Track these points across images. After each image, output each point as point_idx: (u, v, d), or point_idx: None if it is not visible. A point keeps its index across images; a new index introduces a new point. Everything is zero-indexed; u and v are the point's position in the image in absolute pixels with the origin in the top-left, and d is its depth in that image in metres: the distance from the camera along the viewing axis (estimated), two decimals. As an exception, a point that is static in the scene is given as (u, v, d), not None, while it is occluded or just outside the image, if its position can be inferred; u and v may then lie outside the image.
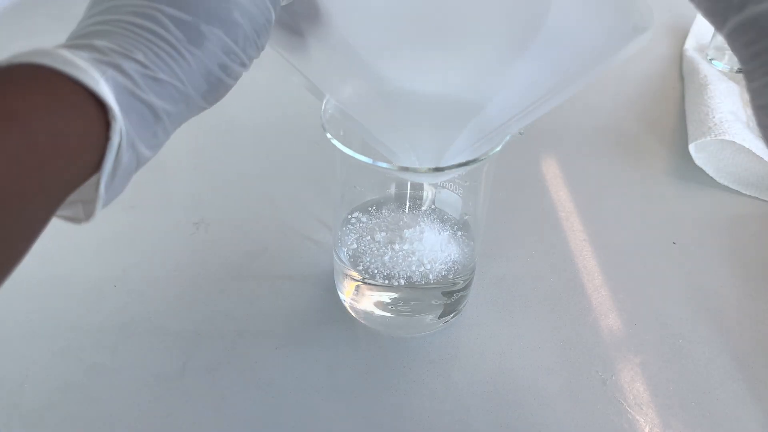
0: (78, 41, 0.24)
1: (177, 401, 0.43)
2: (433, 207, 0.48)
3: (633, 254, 0.55)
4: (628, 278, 0.53)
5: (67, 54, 0.22)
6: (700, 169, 0.63)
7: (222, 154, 0.67)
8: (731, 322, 0.49)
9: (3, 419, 0.42)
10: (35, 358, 0.46)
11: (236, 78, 0.28)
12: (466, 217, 0.48)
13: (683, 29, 0.89)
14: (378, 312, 0.47)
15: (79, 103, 0.22)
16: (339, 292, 0.50)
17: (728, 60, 0.78)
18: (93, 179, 0.24)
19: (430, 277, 0.44)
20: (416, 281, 0.44)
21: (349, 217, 0.48)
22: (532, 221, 0.59)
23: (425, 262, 0.45)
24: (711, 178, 0.62)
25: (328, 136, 0.38)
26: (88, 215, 0.25)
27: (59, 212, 0.25)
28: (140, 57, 0.24)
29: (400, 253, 0.45)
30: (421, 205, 0.48)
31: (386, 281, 0.45)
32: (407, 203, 0.48)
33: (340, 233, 0.47)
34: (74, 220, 0.25)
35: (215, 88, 0.28)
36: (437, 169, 0.38)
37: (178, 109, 0.26)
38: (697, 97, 0.69)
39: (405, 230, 0.46)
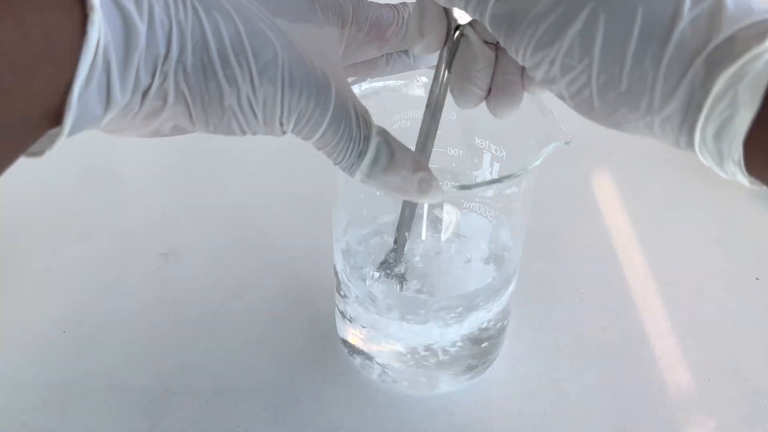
0: None
1: (141, 474, 0.44)
2: (456, 235, 0.49)
3: (706, 293, 0.56)
4: (701, 322, 0.54)
5: None
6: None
7: (196, 171, 0.68)
8: (830, 378, 0.50)
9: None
10: (-33, 420, 0.46)
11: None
12: (498, 247, 0.48)
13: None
14: (390, 363, 0.47)
15: (66, 3, 0.26)
16: (341, 340, 0.50)
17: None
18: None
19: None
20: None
21: (355, 247, 0.49)
22: (580, 252, 0.59)
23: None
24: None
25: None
26: (51, 142, 0.27)
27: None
28: None
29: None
30: (441, 232, 0.49)
31: (400, 326, 0.45)
32: (424, 230, 0.49)
33: (342, 267, 0.48)
34: (35, 153, 0.28)
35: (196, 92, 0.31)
36: (462, 187, 0.39)
37: (155, 62, 0.29)
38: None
39: (421, 263, 0.47)
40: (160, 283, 0.56)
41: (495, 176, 0.47)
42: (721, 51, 0.27)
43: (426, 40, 0.36)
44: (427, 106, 0.39)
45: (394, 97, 0.46)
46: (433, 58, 0.41)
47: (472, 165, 0.48)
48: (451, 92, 0.38)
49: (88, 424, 0.46)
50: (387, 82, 0.45)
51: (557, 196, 0.64)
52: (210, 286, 0.56)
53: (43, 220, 0.62)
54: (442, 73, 0.38)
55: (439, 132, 0.44)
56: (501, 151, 0.46)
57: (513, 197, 0.45)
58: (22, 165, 0.28)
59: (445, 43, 0.37)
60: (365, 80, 0.43)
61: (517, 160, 0.44)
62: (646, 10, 0.28)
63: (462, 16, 0.36)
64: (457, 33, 0.36)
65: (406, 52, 0.42)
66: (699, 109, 0.28)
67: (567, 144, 0.39)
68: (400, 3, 0.40)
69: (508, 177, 0.39)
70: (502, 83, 0.36)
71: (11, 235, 0.60)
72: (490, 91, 0.37)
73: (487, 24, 0.32)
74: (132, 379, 0.49)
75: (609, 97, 0.30)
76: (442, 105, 0.39)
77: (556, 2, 0.29)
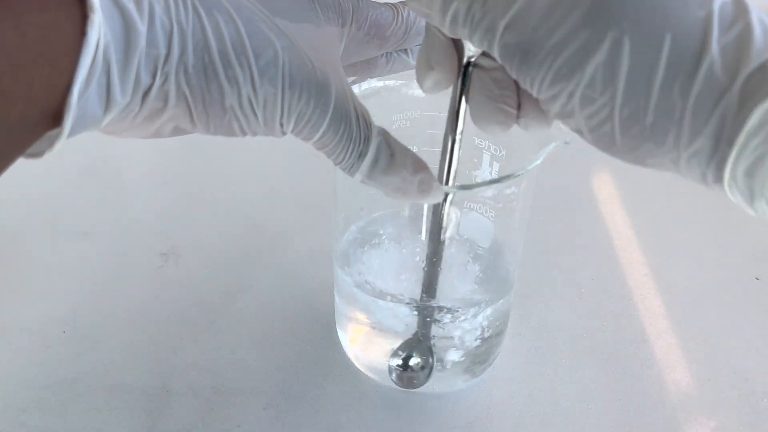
0: None
1: (141, 474, 0.44)
2: (457, 235, 0.49)
3: (706, 293, 0.56)
4: (700, 323, 0.54)
5: None
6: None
7: (196, 171, 0.68)
8: (830, 378, 0.50)
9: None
10: (-33, 420, 0.47)
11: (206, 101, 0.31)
12: (498, 247, 0.48)
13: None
14: (391, 363, 0.47)
15: (66, 3, 0.26)
16: (341, 339, 0.51)
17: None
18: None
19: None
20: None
21: (353, 247, 0.49)
22: (580, 252, 0.60)
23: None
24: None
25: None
26: (51, 143, 0.27)
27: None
28: None
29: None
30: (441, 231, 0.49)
31: (400, 326, 0.45)
32: (424, 229, 0.49)
33: (341, 267, 0.48)
34: (35, 154, 0.28)
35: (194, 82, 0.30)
36: (462, 187, 0.39)
37: (154, 64, 0.29)
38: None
39: (422, 264, 0.47)
40: (160, 283, 0.56)
41: (495, 176, 0.47)
42: (754, 82, 0.26)
43: (435, 74, 0.35)
44: (444, 142, 0.38)
45: (394, 97, 0.46)
46: None
47: (472, 165, 0.48)
48: (476, 121, 0.35)
49: (88, 424, 0.46)
50: (387, 82, 0.45)
51: (557, 196, 0.64)
52: (210, 286, 0.56)
53: (43, 220, 0.62)
54: (456, 105, 0.36)
55: (438, 132, 0.44)
56: (501, 151, 0.46)
57: (513, 197, 0.45)
58: (23, 165, 0.28)
59: (457, 76, 0.35)
60: (365, 80, 0.44)
61: (517, 160, 0.44)
62: (673, 37, 0.27)
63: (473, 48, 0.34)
64: (468, 64, 0.35)
65: (405, 51, 0.42)
66: (730, 144, 0.26)
67: (567, 144, 0.39)
68: (400, 2, 0.40)
69: (508, 177, 0.39)
70: (532, 99, 0.33)
71: (11, 235, 0.60)
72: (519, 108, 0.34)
73: (496, 56, 0.31)
74: (132, 379, 0.49)
75: (633, 131, 0.28)
76: (461, 138, 0.37)
77: (575, 30, 0.28)
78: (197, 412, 0.47)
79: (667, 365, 0.50)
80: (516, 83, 0.33)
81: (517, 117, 0.34)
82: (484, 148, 0.46)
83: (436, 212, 0.40)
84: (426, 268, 0.43)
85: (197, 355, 0.50)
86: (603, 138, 0.29)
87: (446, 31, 0.32)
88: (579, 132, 0.30)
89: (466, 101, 0.35)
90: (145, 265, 0.57)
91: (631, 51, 0.27)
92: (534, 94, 0.30)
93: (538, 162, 0.39)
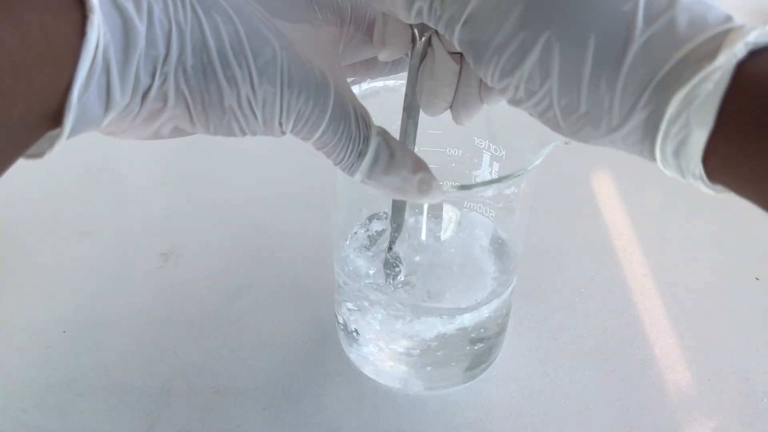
0: None
1: (141, 474, 0.44)
2: (456, 235, 0.49)
3: (706, 293, 0.56)
4: (700, 323, 0.54)
5: None
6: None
7: (196, 171, 0.68)
8: (830, 378, 0.50)
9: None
10: (-33, 420, 0.47)
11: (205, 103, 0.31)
12: (498, 247, 0.48)
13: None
14: (390, 363, 0.48)
15: (66, 4, 0.26)
16: (341, 339, 0.51)
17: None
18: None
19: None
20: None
21: (352, 248, 0.49)
22: (580, 252, 0.60)
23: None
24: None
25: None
26: (52, 143, 0.27)
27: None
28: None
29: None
30: (441, 231, 0.49)
31: (399, 326, 0.45)
32: (424, 229, 0.49)
33: (341, 267, 0.48)
34: (35, 155, 0.28)
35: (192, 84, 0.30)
36: (462, 187, 0.39)
37: (154, 63, 0.29)
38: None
39: (422, 263, 0.47)
40: (160, 283, 0.56)
41: (495, 176, 0.47)
42: (673, 74, 0.28)
43: (388, 50, 0.37)
44: (404, 108, 0.40)
45: (394, 97, 0.46)
46: None
47: (472, 165, 0.48)
48: (419, 101, 0.39)
49: (88, 424, 0.46)
50: (387, 82, 0.45)
51: (557, 196, 0.65)
52: (210, 286, 0.56)
53: (43, 220, 0.62)
54: (414, 77, 0.39)
55: (438, 132, 0.44)
56: (501, 151, 0.46)
57: (513, 197, 0.45)
58: (23, 165, 0.28)
59: (413, 49, 0.38)
60: (365, 80, 0.44)
61: (517, 160, 0.44)
62: (598, 35, 0.29)
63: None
64: (424, 40, 0.37)
65: None
66: (656, 129, 0.28)
67: (567, 144, 0.39)
68: None
69: (508, 177, 0.39)
70: (463, 96, 0.37)
71: (11, 235, 0.60)
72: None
73: (456, 46, 0.33)
74: (132, 379, 0.49)
75: (572, 118, 0.31)
76: (418, 107, 0.39)
77: (514, 33, 0.30)
78: (197, 412, 0.47)
79: (667, 365, 0.50)
80: (457, 77, 0.37)
81: (450, 107, 0.38)
82: (484, 148, 0.46)
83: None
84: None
85: (197, 355, 0.51)
86: (550, 122, 0.32)
87: (411, 21, 0.34)
88: (532, 116, 0.33)
89: (416, 75, 0.38)
90: (145, 265, 0.58)
91: (560, 50, 0.30)
92: (489, 84, 0.33)
93: (538, 162, 0.39)
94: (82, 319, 0.53)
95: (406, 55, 0.38)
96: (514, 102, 0.32)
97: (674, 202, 0.65)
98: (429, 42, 0.37)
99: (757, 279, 0.57)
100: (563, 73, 0.30)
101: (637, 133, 0.29)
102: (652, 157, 0.30)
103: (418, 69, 0.38)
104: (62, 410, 0.47)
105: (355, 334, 0.48)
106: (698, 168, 0.28)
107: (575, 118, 0.31)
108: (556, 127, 0.32)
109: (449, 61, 0.36)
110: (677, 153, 0.28)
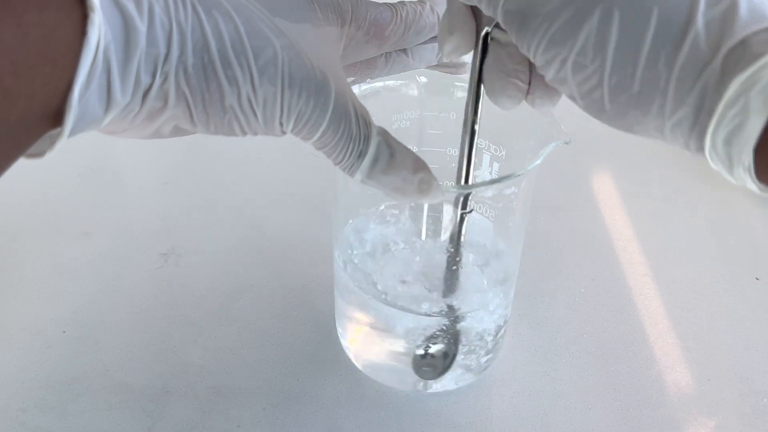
0: None
1: (141, 474, 0.44)
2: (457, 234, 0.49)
3: (706, 293, 0.56)
4: (700, 322, 0.54)
5: None
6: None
7: (196, 171, 0.68)
8: (830, 378, 0.50)
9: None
10: (-33, 420, 0.47)
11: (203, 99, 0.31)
12: (498, 247, 0.48)
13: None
14: (390, 363, 0.48)
15: (66, 3, 0.26)
16: (341, 339, 0.51)
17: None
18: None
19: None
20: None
21: (353, 249, 0.49)
22: (580, 251, 0.60)
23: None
24: (803, 197, 0.63)
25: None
26: (52, 143, 0.28)
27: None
28: None
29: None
30: (441, 231, 0.49)
31: (400, 326, 0.45)
32: (423, 230, 0.49)
33: (341, 267, 0.48)
34: (36, 154, 0.28)
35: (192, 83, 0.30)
36: (462, 187, 0.39)
37: (154, 63, 0.29)
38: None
39: (422, 264, 0.47)
40: (160, 283, 0.56)
41: (495, 176, 0.47)
42: (735, 56, 0.27)
43: (455, 38, 0.36)
44: (464, 122, 0.39)
45: (394, 97, 0.46)
46: (432, 58, 0.41)
47: (472, 165, 0.48)
48: (489, 94, 0.37)
49: (88, 424, 0.46)
50: (387, 82, 0.45)
51: (557, 196, 0.65)
52: (210, 286, 0.56)
53: (43, 220, 0.62)
54: (475, 83, 0.38)
55: (438, 132, 0.44)
56: (501, 151, 0.46)
57: (513, 197, 0.45)
58: (23, 165, 0.28)
59: (475, 48, 0.37)
60: (365, 80, 0.44)
61: (517, 160, 0.44)
62: (661, 10, 0.28)
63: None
64: (484, 36, 0.36)
65: (405, 51, 0.42)
66: (710, 114, 0.28)
67: (567, 144, 0.40)
68: (398, 2, 0.40)
69: (508, 177, 0.39)
70: (541, 78, 0.34)
71: (11, 235, 0.60)
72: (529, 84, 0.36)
73: (500, 20, 0.32)
74: (132, 379, 0.49)
75: (620, 99, 0.30)
76: (477, 117, 0.39)
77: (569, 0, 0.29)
78: (197, 412, 0.47)
79: (667, 365, 0.51)
80: (529, 61, 0.34)
81: (527, 93, 0.36)
82: (484, 148, 0.46)
83: (455, 214, 0.41)
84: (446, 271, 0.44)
85: (197, 355, 0.51)
86: (594, 104, 0.31)
87: None
88: (572, 98, 0.32)
89: (480, 75, 0.37)
90: (145, 265, 0.58)
91: (620, 21, 0.28)
92: (531, 59, 0.32)
93: (538, 162, 0.39)
94: (82, 319, 0.53)
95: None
96: (557, 80, 0.31)
97: (674, 203, 0.65)
98: (490, 38, 0.36)
99: (757, 279, 0.57)
100: (620, 47, 0.29)
101: (689, 118, 0.28)
102: (699, 146, 0.29)
103: (482, 68, 0.37)
104: (62, 410, 0.47)
105: (355, 333, 0.48)
106: (749, 158, 0.27)
107: (624, 99, 0.29)
108: (599, 110, 0.31)
109: (516, 48, 0.34)
110: (729, 140, 0.28)
